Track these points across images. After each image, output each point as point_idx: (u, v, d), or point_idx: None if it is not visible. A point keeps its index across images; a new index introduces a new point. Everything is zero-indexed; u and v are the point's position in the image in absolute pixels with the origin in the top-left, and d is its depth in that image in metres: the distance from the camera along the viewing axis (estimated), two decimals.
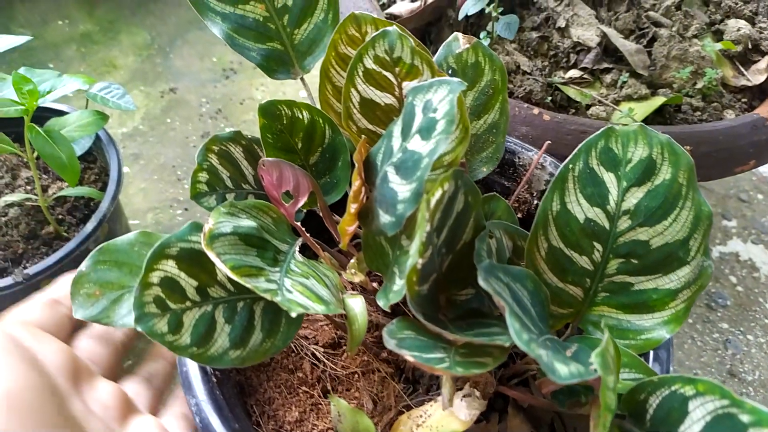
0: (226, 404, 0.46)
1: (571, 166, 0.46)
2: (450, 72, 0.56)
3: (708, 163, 0.62)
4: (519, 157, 0.59)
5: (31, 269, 0.64)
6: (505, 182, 0.60)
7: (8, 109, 0.61)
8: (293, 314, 0.38)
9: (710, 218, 0.45)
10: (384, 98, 0.49)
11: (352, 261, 0.53)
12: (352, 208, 0.45)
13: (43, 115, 0.74)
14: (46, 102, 0.63)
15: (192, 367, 0.47)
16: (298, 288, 0.43)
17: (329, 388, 0.54)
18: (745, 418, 0.34)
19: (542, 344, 0.37)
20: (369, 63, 0.47)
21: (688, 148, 0.62)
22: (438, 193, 0.39)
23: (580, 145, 0.45)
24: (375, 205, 0.44)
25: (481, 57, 0.54)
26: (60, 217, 0.73)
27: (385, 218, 0.42)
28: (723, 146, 0.61)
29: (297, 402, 0.52)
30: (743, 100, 0.72)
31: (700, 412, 0.37)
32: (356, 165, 0.44)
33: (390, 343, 0.42)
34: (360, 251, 0.54)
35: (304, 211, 0.57)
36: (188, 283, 0.43)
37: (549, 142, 0.53)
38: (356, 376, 0.54)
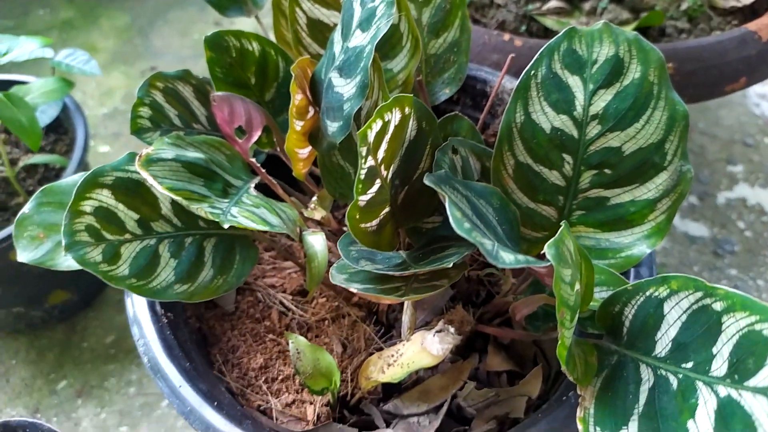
0: (178, 345, 0.43)
1: (533, 72, 0.42)
2: None
3: (695, 82, 0.58)
4: (490, 87, 0.56)
5: None
6: (478, 115, 0.57)
7: None
8: (225, 225, 0.35)
9: (686, 118, 0.41)
10: (331, 17, 0.46)
11: (314, 198, 0.50)
12: (297, 125, 0.42)
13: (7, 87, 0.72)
14: (3, 62, 0.62)
15: (140, 307, 0.44)
16: (245, 214, 0.40)
17: (298, 335, 0.51)
18: (718, 306, 0.31)
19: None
20: None
21: (671, 65, 0.58)
22: (377, 125, 0.35)
23: (541, 50, 0.42)
24: (323, 121, 0.42)
25: None
26: (30, 188, 0.71)
27: (332, 127, 0.39)
28: (710, 63, 0.57)
29: (263, 349, 0.50)
30: (734, 22, 0.68)
31: (675, 313, 0.34)
32: (295, 78, 0.41)
33: (338, 279, 0.39)
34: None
35: (265, 152, 0.54)
36: (127, 215, 0.41)
37: (513, 55, 0.50)
38: (326, 322, 0.51)
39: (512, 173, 0.44)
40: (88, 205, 0.39)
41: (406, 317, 0.44)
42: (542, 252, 0.32)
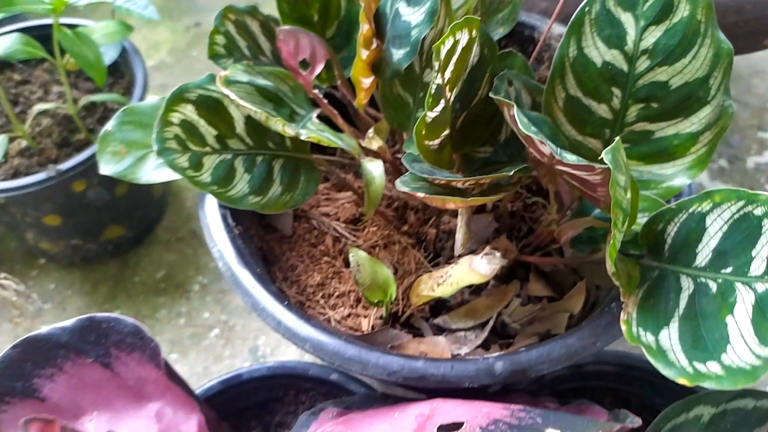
0: (248, 254, 0.47)
1: (587, 9, 0.45)
2: None
3: (735, 34, 0.60)
4: (538, 33, 0.58)
5: (63, 165, 0.66)
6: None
7: (37, 7, 0.63)
8: (302, 137, 0.39)
9: (731, 55, 0.44)
10: None
11: (371, 129, 0.53)
12: (363, 54, 0.45)
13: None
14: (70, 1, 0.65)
15: (213, 219, 0.48)
16: (313, 134, 0.44)
17: None
18: (759, 211, 0.34)
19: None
20: None
21: None
22: (449, 42, 0.38)
23: None
24: (388, 51, 0.45)
25: None
26: (90, 126, 0.75)
27: (398, 54, 0.42)
28: (750, 16, 0.59)
29: (319, 269, 0.53)
30: None
31: (717, 225, 0.37)
32: (363, 9, 0.44)
33: (403, 187, 0.42)
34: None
35: (324, 87, 0.57)
36: (207, 131, 0.44)
37: (563, 0, 0.52)
38: (377, 248, 0.55)
39: (562, 106, 0.47)
40: (175, 117, 0.42)
41: (459, 235, 0.47)
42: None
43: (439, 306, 0.52)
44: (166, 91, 1.05)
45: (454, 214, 0.54)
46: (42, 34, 0.71)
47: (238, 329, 0.78)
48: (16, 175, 0.70)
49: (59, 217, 0.73)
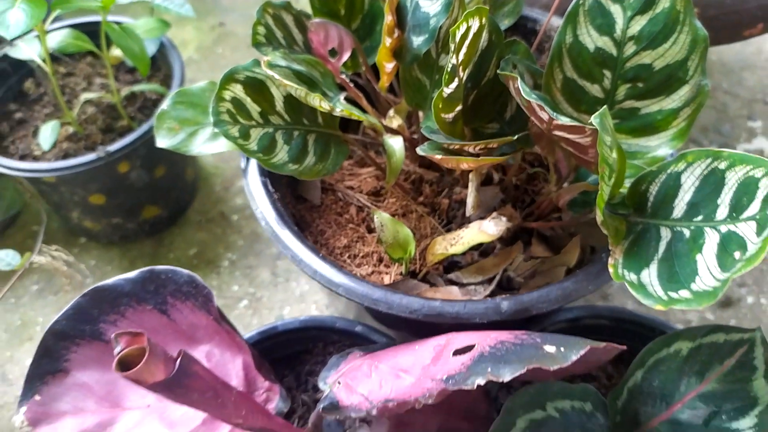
0: (286, 215, 0.54)
1: (581, 1, 0.52)
2: None
3: (717, 26, 0.67)
4: (539, 25, 0.65)
5: (111, 147, 0.73)
6: None
7: (90, 4, 0.70)
8: (336, 110, 0.46)
9: (706, 41, 0.50)
10: None
11: (391, 110, 0.60)
12: (387, 41, 0.52)
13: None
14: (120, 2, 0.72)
15: (255, 186, 0.55)
16: (345, 108, 0.51)
17: (372, 227, 0.62)
18: (723, 165, 0.40)
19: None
20: None
21: (695, 10, 0.67)
22: (463, 27, 0.46)
23: None
24: (408, 39, 0.52)
25: None
26: (131, 115, 0.82)
27: (418, 41, 0.49)
28: (730, 9, 0.66)
29: (345, 234, 0.60)
30: None
31: (690, 181, 0.44)
32: (387, 2, 0.50)
33: (423, 151, 0.49)
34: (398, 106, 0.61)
35: (349, 74, 0.64)
36: (253, 107, 0.51)
37: None
38: (396, 216, 0.62)
39: (560, 87, 0.54)
40: (227, 95, 0.49)
41: (470, 199, 0.54)
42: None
43: (451, 266, 0.59)
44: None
45: (465, 185, 0.61)
46: (88, 30, 0.79)
47: (265, 300, 0.84)
48: (65, 157, 0.77)
49: (104, 197, 0.80)
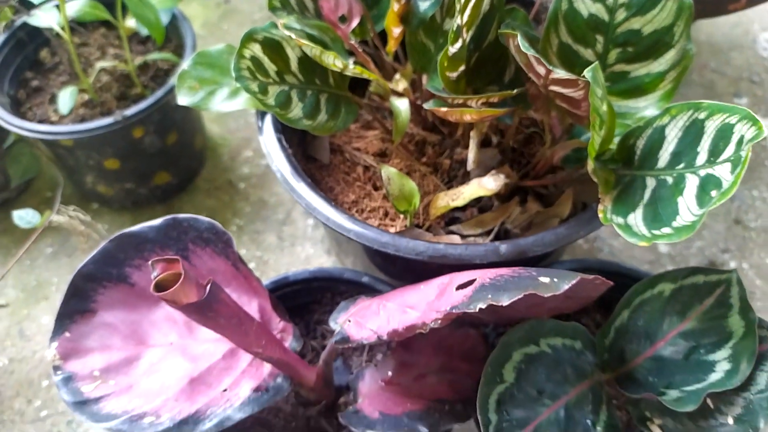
0: (300, 169, 0.57)
1: None
2: None
3: (703, 0, 0.71)
4: None
5: (128, 111, 0.77)
6: None
7: None
8: (350, 69, 0.49)
9: (691, 8, 0.54)
10: None
11: (397, 74, 0.64)
12: (395, 6, 0.56)
13: None
14: None
15: (270, 142, 0.58)
16: (357, 67, 0.54)
17: (378, 185, 0.66)
18: (702, 115, 0.45)
19: None
20: None
21: None
22: None
23: None
24: (415, 3, 0.55)
25: None
26: (144, 83, 0.86)
27: (424, 5, 0.53)
28: None
29: (353, 191, 0.64)
30: None
31: (673, 133, 0.48)
32: None
33: (430, 106, 0.53)
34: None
35: (358, 40, 0.68)
36: (270, 66, 0.55)
37: None
38: None
39: (556, 51, 0.57)
40: (247, 53, 0.53)
41: (471, 155, 0.58)
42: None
43: (452, 222, 0.63)
44: None
45: (465, 146, 0.65)
46: (104, 1, 0.82)
47: (272, 263, 0.88)
48: (81, 122, 0.81)
49: (118, 161, 0.83)
